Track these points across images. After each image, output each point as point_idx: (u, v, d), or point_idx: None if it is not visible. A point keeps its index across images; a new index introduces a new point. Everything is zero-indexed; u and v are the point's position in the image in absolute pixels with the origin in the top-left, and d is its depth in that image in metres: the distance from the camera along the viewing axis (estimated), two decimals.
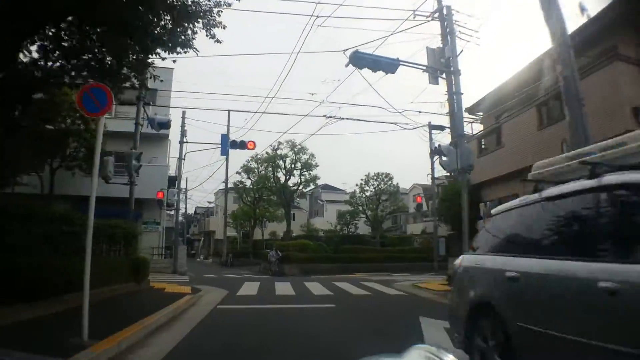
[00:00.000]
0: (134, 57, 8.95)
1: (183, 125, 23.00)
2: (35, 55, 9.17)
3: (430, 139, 22.89)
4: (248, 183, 36.90)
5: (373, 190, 36.95)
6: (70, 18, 8.10)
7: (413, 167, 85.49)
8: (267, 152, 35.08)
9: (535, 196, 3.43)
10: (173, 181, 23.81)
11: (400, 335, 5.67)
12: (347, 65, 11.96)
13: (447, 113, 14.66)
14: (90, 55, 9.10)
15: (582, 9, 12.00)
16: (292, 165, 35.14)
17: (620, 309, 2.34)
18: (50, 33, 8.57)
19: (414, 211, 40.65)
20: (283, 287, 13.33)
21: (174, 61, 9.86)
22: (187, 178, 59.18)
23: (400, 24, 15.98)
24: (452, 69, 12.63)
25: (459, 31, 14.01)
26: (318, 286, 13.75)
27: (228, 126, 28.10)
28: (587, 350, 2.48)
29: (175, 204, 23.14)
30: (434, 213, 24.19)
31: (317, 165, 35.23)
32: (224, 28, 9.11)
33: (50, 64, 9.17)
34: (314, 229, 42.58)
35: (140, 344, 5.20)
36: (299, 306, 9.28)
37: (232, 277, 20.07)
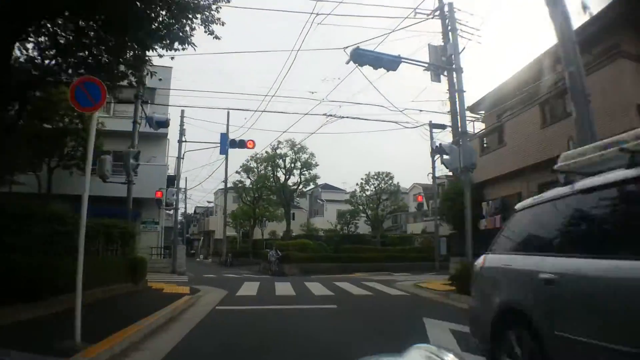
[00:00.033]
0: (131, 54, 8.82)
1: (182, 124, 22.83)
2: (32, 53, 9.05)
3: (431, 137, 22.74)
4: (247, 182, 36.79)
5: (373, 189, 36.81)
6: (66, 13, 7.94)
7: (413, 167, 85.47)
8: (266, 152, 35.00)
9: (567, 189, 3.13)
10: (172, 181, 23.66)
11: (405, 337, 5.52)
12: (348, 63, 11.79)
13: (448, 112, 14.55)
14: (87, 52, 8.96)
15: (585, 7, 11.90)
16: (292, 165, 35.00)
17: None
18: (45, 30, 8.43)
19: (414, 210, 40.56)
20: (283, 288, 13.17)
21: (172, 58, 9.74)
22: (186, 178, 59.17)
23: (400, 22, 15.79)
24: (454, 66, 12.48)
25: (460, 29, 13.86)
26: (318, 286, 13.59)
27: (227, 125, 28.01)
28: None
29: (174, 204, 22.98)
30: (435, 212, 24.05)
31: (317, 165, 35.16)
32: (223, 25, 9.01)
33: (47, 61, 9.04)
34: (314, 228, 42.48)
35: (136, 346, 5.04)
36: (299, 307, 9.11)
37: (232, 277, 19.94)
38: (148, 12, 7.84)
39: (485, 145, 17.82)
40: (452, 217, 16.11)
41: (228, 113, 27.68)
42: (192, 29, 8.68)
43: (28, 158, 16.47)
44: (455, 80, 12.57)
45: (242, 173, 36.40)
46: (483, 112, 19.19)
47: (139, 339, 5.37)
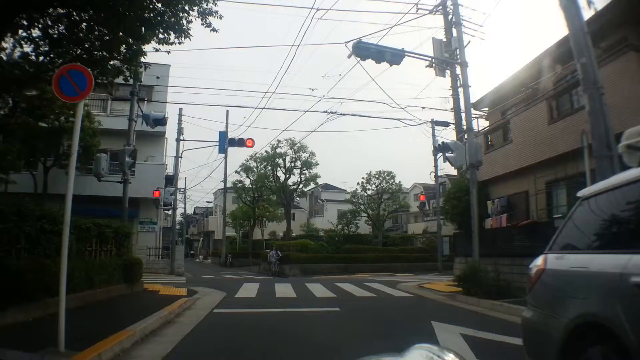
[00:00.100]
0: (125, 47, 8.51)
1: (180, 122, 22.51)
2: (25, 49, 8.77)
3: (434, 135, 22.42)
4: (247, 182, 36.42)
5: (375, 189, 36.44)
6: (55, 3, 7.62)
7: (413, 166, 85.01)
8: (266, 151, 34.63)
9: None
10: (171, 180, 23.34)
11: (415, 343, 5.16)
12: (349, 57, 11.45)
13: (451, 109, 14.20)
14: (80, 48, 8.65)
15: (589, 2, 11.61)
16: (292, 164, 34.64)
17: None
18: (37, 24, 8.12)
19: (415, 210, 40.23)
20: (283, 289, 12.82)
21: (168, 52, 9.40)
22: (185, 177, 58.80)
23: (401, 17, 15.44)
24: (458, 60, 12.13)
25: (464, 25, 13.53)
26: (320, 287, 13.25)
27: (227, 123, 27.72)
28: None
29: (172, 204, 22.66)
30: (438, 212, 23.71)
31: (317, 164, 34.78)
32: (221, 18, 8.72)
33: (41, 58, 8.75)
34: (314, 228, 42.19)
35: (125, 354, 4.69)
36: (300, 310, 8.74)
37: (231, 277, 19.65)
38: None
39: (489, 142, 17.48)
40: (457, 216, 15.78)
41: (227, 111, 27.49)
42: (189, 22, 8.44)
43: (23, 157, 16.20)
44: (459, 74, 12.23)
45: (241, 173, 36.06)
46: (487, 109, 18.86)
47: (130, 345, 5.03)
